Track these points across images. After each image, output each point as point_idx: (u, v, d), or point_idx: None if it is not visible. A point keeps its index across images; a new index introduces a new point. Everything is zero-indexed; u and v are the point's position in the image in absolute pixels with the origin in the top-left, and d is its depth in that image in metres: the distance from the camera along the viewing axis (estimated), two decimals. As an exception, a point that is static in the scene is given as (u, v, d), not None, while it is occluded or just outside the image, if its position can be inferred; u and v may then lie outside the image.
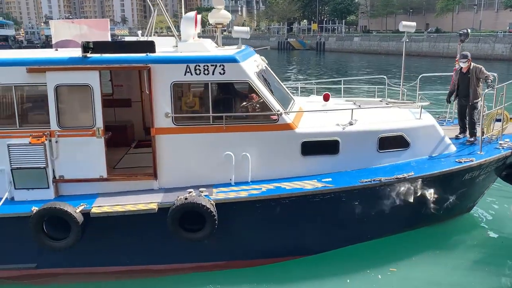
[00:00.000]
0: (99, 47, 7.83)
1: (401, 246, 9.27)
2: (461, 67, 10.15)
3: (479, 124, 9.67)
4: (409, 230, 9.51)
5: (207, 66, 7.86)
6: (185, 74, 7.85)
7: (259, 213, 8.07)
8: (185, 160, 8.14)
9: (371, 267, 8.63)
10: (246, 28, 9.70)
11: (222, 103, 8.32)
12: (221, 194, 7.88)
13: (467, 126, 10.33)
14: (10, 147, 7.69)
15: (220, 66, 7.89)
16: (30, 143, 7.66)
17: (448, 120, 11.64)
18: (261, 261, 8.54)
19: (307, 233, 8.59)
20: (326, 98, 10.34)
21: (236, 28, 9.55)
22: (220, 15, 9.00)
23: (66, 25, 8.61)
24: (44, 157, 7.73)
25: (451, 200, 9.48)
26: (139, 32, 10.08)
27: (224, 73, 7.93)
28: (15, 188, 7.85)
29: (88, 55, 7.72)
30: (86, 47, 7.69)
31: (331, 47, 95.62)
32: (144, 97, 10.03)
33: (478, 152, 9.33)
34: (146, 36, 9.71)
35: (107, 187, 8.08)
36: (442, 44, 69.41)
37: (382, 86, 12.31)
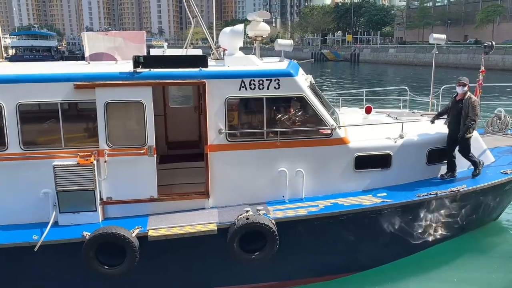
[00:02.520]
0: (150, 61, 7.50)
1: (443, 255, 9.29)
2: (457, 93, 9.03)
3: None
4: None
5: (262, 80, 7.68)
6: (239, 89, 7.65)
7: (317, 231, 7.85)
8: (238, 177, 7.92)
9: (422, 277, 8.73)
10: (290, 41, 9.36)
11: (276, 118, 8.14)
12: (278, 212, 7.67)
13: (453, 162, 9.00)
14: (56, 168, 7.19)
15: (275, 80, 7.72)
16: (78, 163, 7.18)
17: None
18: (316, 279, 8.36)
19: (362, 249, 8.48)
20: (368, 111, 10.29)
21: (279, 41, 9.35)
22: (260, 27, 8.65)
23: (99, 37, 8.34)
24: (92, 178, 7.24)
25: (491, 208, 9.86)
26: (165, 44, 9.77)
27: (279, 88, 7.76)
28: (60, 212, 7.34)
29: (139, 70, 7.36)
30: (136, 62, 7.34)
31: (365, 58, 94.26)
32: (166, 111, 9.80)
33: None
34: (185, 48, 9.41)
35: (156, 208, 7.71)
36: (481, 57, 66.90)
37: (406, 97, 12.59)
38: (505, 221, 11.18)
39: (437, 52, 11.77)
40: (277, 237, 7.29)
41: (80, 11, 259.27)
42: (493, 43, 11.48)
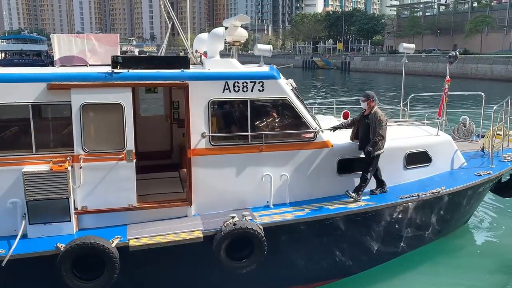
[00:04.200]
0: (129, 61, 7.17)
1: (415, 263, 9.44)
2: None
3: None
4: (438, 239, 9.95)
5: (246, 83, 7.53)
6: (223, 91, 7.46)
7: (304, 236, 7.70)
8: (221, 183, 7.65)
9: (403, 281, 8.94)
10: (269, 47, 9.12)
11: (260, 121, 7.96)
12: (265, 218, 7.46)
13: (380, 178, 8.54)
14: (25, 176, 6.62)
15: (259, 83, 7.60)
16: (50, 169, 6.64)
17: None
18: (304, 286, 8.20)
19: (349, 253, 8.38)
20: (345, 116, 10.32)
21: (259, 46, 9.01)
22: (238, 33, 8.41)
23: (69, 39, 7.97)
24: (66, 185, 6.70)
25: (464, 210, 10.24)
26: (136, 50, 9.50)
27: (263, 90, 7.64)
28: (30, 223, 6.76)
29: (117, 70, 7.02)
30: (115, 62, 6.99)
31: (356, 66, 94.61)
32: (137, 120, 9.25)
33: (489, 165, 9.87)
34: (160, 53, 9.17)
35: (134, 217, 7.30)
36: (470, 66, 67.89)
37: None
38: (473, 225, 11.77)
39: (406, 61, 12.23)
40: (265, 242, 7.06)
41: (71, 16, 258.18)
42: (457, 53, 12.63)
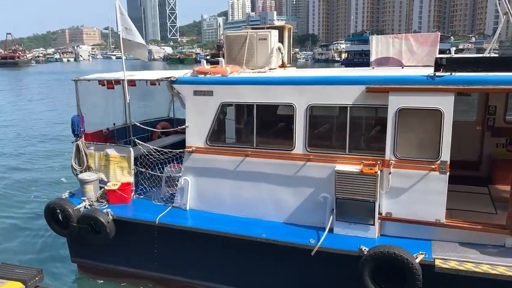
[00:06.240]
0: (454, 63, 6.58)
1: None
2: None
3: None
4: None
5: None
6: None
7: None
8: None
9: None
10: None
11: None
12: None
13: None
14: (338, 174, 6.98)
15: None
16: (361, 171, 6.80)
17: None
18: None
19: None
20: None
21: None
22: None
23: (387, 41, 7.99)
24: (374, 189, 6.78)
25: None
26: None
27: None
28: (336, 220, 7.22)
29: (439, 73, 6.57)
30: (438, 64, 6.57)
31: None
32: None
33: None
34: (488, 52, 8.06)
35: (440, 234, 6.85)
36: None
37: None
38: None
39: None
40: None
41: (409, 16, 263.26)
42: None
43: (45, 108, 39.71)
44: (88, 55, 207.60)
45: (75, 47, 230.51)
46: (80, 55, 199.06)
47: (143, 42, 9.27)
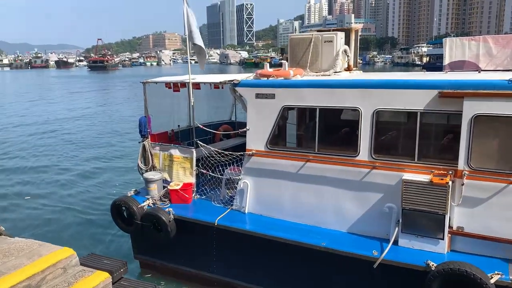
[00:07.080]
0: None
1: None
2: None
3: None
4: None
5: None
6: None
7: None
8: None
9: None
10: None
11: None
12: None
13: None
14: (405, 183, 6.59)
15: None
16: (430, 181, 6.38)
17: None
18: None
19: None
20: None
21: None
22: None
23: (462, 43, 7.33)
24: (445, 201, 6.31)
25: None
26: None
27: None
28: (402, 231, 6.81)
29: None
30: None
31: None
32: None
33: None
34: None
35: None
36: None
37: None
38: None
39: None
40: None
41: (501, 16, 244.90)
42: None
43: (131, 113, 40.81)
44: (170, 60, 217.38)
45: (158, 52, 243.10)
46: (162, 60, 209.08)
47: (204, 49, 9.36)
